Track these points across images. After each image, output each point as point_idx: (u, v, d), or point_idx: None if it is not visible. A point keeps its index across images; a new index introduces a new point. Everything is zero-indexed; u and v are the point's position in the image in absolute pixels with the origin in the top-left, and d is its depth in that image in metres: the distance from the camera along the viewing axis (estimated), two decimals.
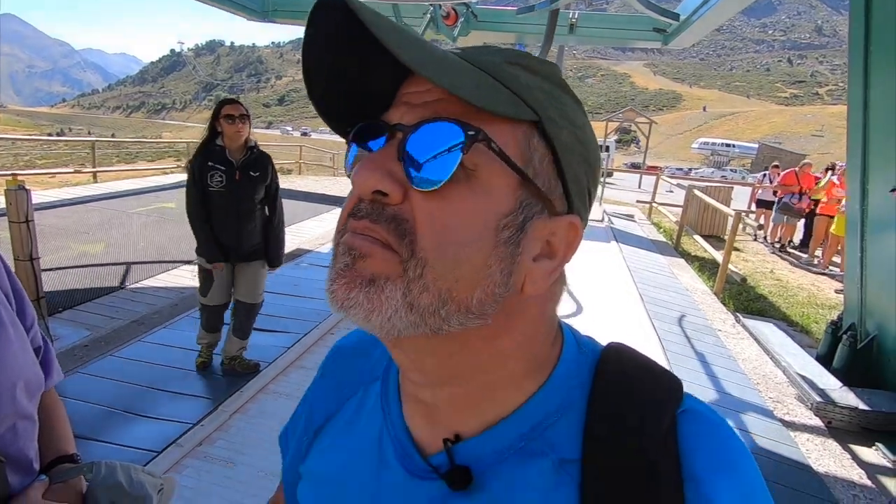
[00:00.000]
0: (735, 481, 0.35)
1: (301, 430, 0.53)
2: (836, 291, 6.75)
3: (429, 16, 5.80)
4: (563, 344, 0.42)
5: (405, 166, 0.33)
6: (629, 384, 0.39)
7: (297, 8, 6.23)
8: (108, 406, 2.70)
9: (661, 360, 3.00)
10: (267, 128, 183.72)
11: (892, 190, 3.35)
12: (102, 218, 6.88)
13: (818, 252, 8.58)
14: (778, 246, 9.52)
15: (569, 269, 0.40)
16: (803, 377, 3.65)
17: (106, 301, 4.16)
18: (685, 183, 10.83)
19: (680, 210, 8.76)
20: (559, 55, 6.69)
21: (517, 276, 0.35)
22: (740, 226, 6.59)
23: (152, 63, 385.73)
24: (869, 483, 2.69)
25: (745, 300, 6.12)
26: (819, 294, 6.80)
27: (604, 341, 0.45)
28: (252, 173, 2.77)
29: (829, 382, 3.57)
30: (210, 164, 2.70)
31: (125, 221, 6.84)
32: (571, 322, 0.46)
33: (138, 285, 4.61)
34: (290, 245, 5.37)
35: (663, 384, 0.40)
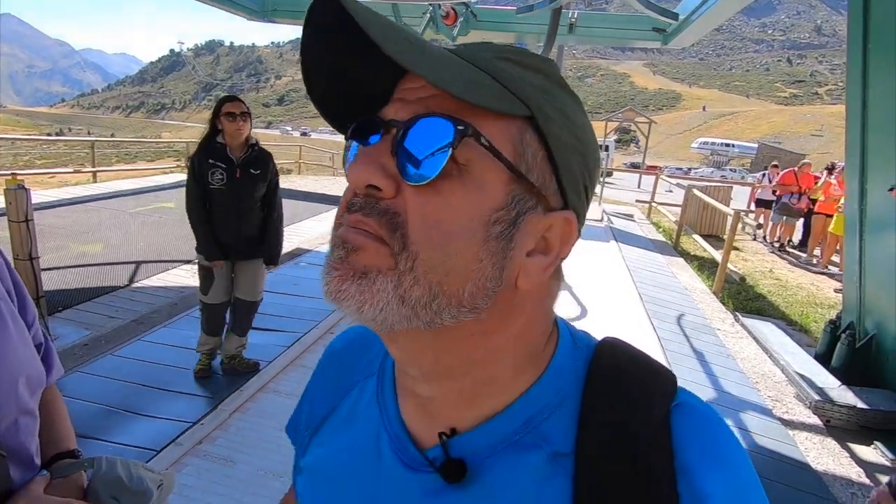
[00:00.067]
0: (728, 474, 0.35)
1: (302, 425, 0.54)
2: (835, 291, 6.74)
3: (428, 15, 5.79)
4: (558, 339, 0.42)
5: (398, 161, 0.33)
6: (623, 378, 0.39)
7: (297, 8, 6.22)
8: (108, 405, 2.70)
9: (660, 359, 2.99)
10: (266, 128, 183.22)
11: (891, 189, 3.35)
12: (102, 218, 6.88)
13: (817, 251, 8.59)
14: (777, 245, 9.53)
15: (568, 268, 0.40)
16: (802, 376, 3.66)
17: (105, 300, 4.16)
18: (684, 182, 10.85)
19: (679, 209, 8.75)
20: (559, 55, 6.68)
21: (510, 270, 0.35)
22: (739, 225, 6.60)
23: (152, 63, 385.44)
24: (867, 481, 2.69)
25: (744, 299, 6.12)
26: (818, 293, 6.80)
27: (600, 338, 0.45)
28: (253, 171, 2.77)
29: (828, 381, 3.58)
30: (211, 161, 2.70)
31: (125, 221, 6.83)
32: (575, 325, 0.46)
33: (138, 284, 4.61)
34: (289, 244, 5.38)
35: (657, 378, 0.40)
